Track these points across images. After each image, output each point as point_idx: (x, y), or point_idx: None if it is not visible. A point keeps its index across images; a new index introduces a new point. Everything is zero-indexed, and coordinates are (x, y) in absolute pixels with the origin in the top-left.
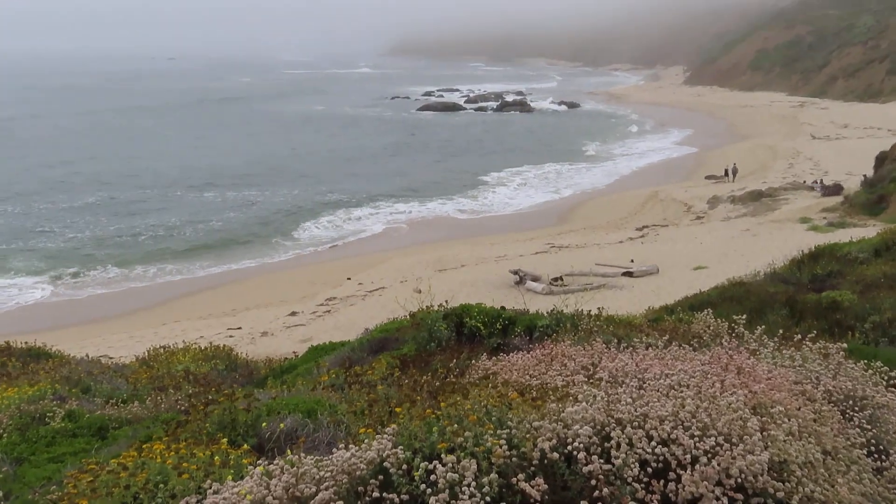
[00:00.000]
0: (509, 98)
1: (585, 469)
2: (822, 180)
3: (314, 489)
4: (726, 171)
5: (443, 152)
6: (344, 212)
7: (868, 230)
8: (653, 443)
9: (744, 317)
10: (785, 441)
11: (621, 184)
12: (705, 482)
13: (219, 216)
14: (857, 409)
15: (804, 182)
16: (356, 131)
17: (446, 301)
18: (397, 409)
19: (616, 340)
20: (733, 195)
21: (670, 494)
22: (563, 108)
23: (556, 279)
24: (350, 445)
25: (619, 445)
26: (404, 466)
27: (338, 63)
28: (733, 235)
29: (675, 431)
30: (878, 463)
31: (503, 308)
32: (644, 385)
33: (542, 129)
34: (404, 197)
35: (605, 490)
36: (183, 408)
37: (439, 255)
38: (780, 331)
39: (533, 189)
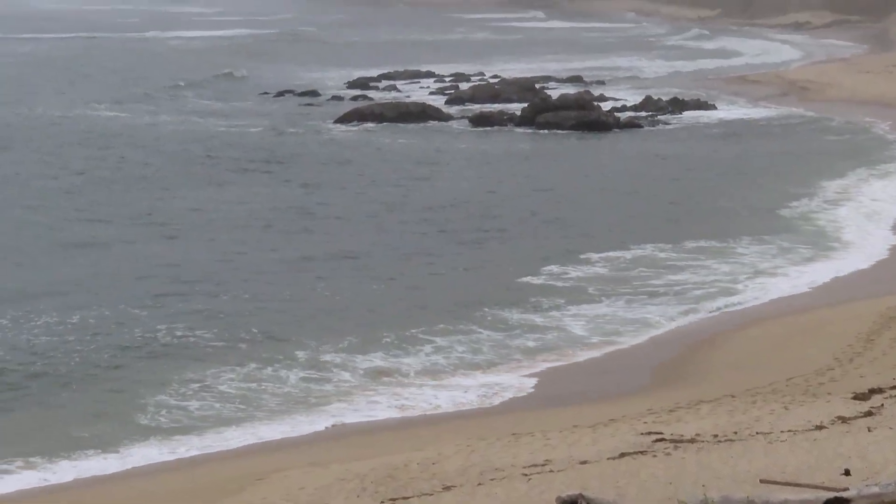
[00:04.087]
0: (553, 91)
1: None
2: None
3: None
4: None
5: (400, 224)
6: (180, 372)
7: None
8: None
9: None
10: None
11: (820, 289)
12: None
13: None
14: None
15: None
16: (199, 177)
17: None
18: None
19: None
20: None
21: None
22: (680, 116)
23: None
24: None
25: None
26: None
27: (163, 18)
28: None
29: None
30: None
31: None
32: None
33: (637, 175)
34: (322, 334)
35: None
36: None
37: (394, 464)
38: None
39: (611, 299)
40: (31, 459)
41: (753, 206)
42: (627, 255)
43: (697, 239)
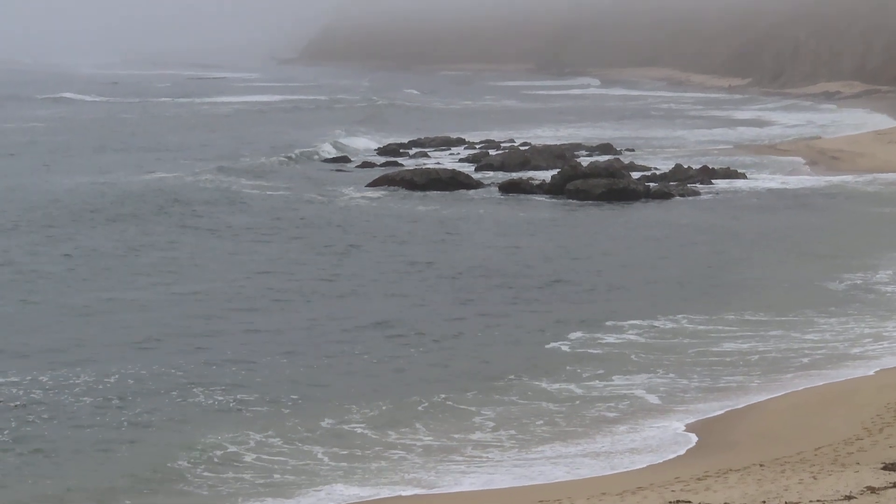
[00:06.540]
0: (583, 159)
1: None
2: None
3: None
4: None
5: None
6: None
7: None
8: None
9: None
10: None
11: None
12: None
13: None
14: None
15: None
16: (227, 243)
17: None
18: None
19: None
20: None
21: None
22: (711, 185)
23: None
24: None
25: None
26: None
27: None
28: None
29: None
30: None
31: None
32: None
33: (664, 245)
34: (355, 404)
35: None
36: None
37: None
38: None
39: (665, 368)
40: None
41: (797, 280)
42: (657, 324)
43: (740, 312)
